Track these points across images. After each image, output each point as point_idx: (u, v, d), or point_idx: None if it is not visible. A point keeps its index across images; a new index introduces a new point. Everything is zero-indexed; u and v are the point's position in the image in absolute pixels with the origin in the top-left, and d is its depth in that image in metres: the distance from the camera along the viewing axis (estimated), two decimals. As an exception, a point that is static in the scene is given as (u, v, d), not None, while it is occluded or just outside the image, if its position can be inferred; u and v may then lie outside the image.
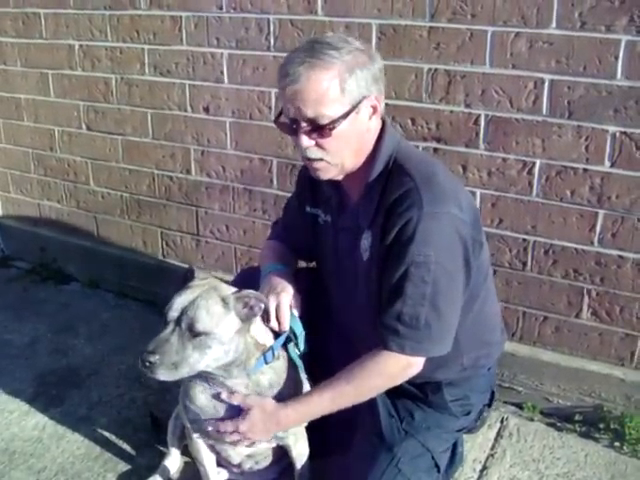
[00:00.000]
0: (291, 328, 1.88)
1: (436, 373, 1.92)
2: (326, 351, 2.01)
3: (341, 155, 1.73)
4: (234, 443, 1.92)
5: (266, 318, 1.83)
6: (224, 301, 1.69)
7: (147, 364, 1.62)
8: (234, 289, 1.75)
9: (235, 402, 1.82)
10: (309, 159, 1.74)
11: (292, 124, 1.70)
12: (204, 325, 1.64)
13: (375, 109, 1.75)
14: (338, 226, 1.95)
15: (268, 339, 1.84)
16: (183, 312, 1.66)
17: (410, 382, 1.94)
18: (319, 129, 1.67)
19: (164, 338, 1.65)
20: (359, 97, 1.68)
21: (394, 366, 1.78)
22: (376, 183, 1.79)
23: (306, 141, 1.69)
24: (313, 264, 2.24)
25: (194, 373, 1.71)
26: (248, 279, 2.12)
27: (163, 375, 1.64)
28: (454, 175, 2.00)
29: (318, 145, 1.70)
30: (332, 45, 1.66)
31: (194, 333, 1.64)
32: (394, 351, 1.74)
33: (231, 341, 1.70)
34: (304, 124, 1.67)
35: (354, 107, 1.68)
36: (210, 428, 1.89)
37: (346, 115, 1.67)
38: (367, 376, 1.79)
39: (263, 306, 1.73)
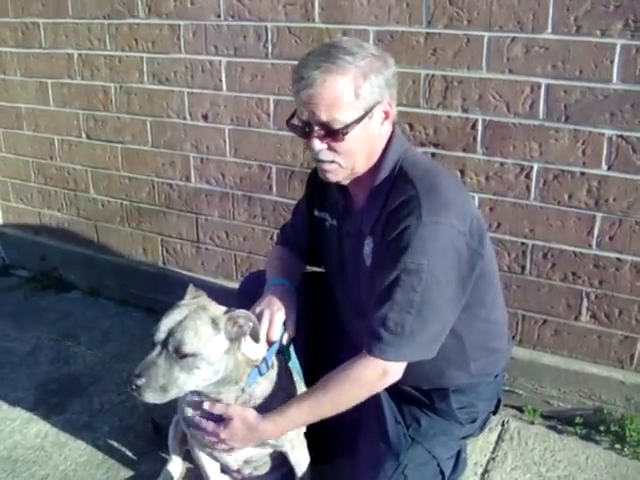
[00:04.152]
0: (281, 341, 1.88)
1: (444, 380, 1.92)
2: (331, 352, 2.01)
3: (352, 159, 1.74)
4: (217, 447, 1.91)
5: (254, 337, 1.78)
6: (214, 322, 1.67)
7: (134, 387, 1.61)
8: (224, 308, 1.74)
9: (216, 412, 1.81)
10: (320, 161, 1.75)
11: (305, 127, 1.71)
12: (191, 347, 1.62)
13: (387, 114, 1.77)
14: (342, 231, 1.96)
15: (261, 353, 1.82)
16: (170, 334, 1.63)
17: (417, 389, 1.95)
18: (332, 133, 1.68)
19: (151, 361, 1.63)
20: (372, 102, 1.70)
21: (372, 374, 1.76)
22: (380, 189, 1.79)
23: (318, 145, 1.70)
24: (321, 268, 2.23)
25: (184, 393, 1.71)
26: (255, 284, 2.13)
27: (151, 398, 1.63)
28: (462, 186, 2.00)
29: (330, 148, 1.71)
30: (347, 50, 1.67)
31: (181, 355, 1.62)
32: (375, 356, 1.72)
33: (220, 361, 1.68)
34: (317, 128, 1.68)
35: (367, 112, 1.70)
36: (194, 429, 1.89)
37: (359, 120, 1.68)
38: (345, 385, 1.77)
39: (252, 325, 1.71)
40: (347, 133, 1.67)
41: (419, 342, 1.72)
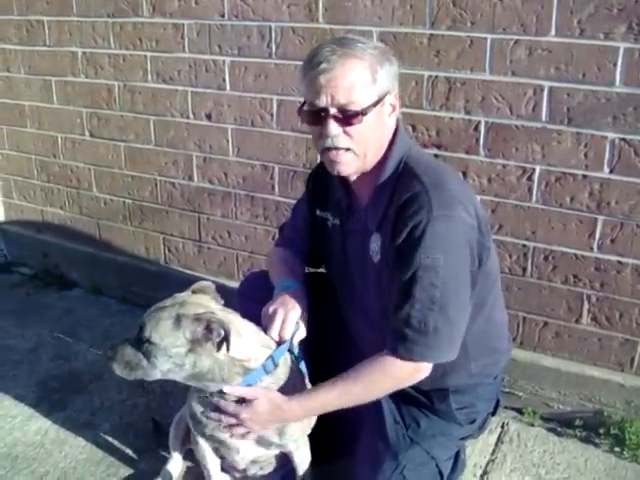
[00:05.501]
0: (292, 340, 1.88)
1: (444, 380, 1.92)
2: (332, 354, 2.01)
3: (366, 145, 1.74)
4: (233, 432, 1.89)
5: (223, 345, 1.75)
6: (177, 319, 1.72)
7: (108, 356, 1.80)
8: (204, 310, 1.75)
9: (238, 393, 1.80)
10: (335, 149, 1.74)
11: (320, 112, 1.70)
12: (147, 333, 1.73)
13: (394, 108, 1.79)
14: (346, 229, 1.96)
15: (259, 353, 1.81)
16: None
17: (417, 389, 1.94)
18: (350, 116, 1.68)
19: (126, 339, 1.81)
20: (386, 90, 1.73)
21: (402, 370, 1.76)
22: (385, 186, 1.80)
23: (335, 129, 1.70)
24: (321, 270, 2.23)
25: (152, 378, 1.78)
26: (256, 284, 2.15)
27: (117, 370, 1.79)
28: (464, 181, 2.00)
29: (345, 133, 1.71)
30: (359, 40, 1.73)
31: (140, 339, 1.74)
32: (401, 355, 1.73)
33: (182, 357, 1.72)
34: (334, 111, 1.68)
35: (381, 99, 1.72)
36: (213, 414, 1.87)
37: (375, 104, 1.70)
38: (375, 377, 1.78)
39: (223, 333, 1.69)
40: (365, 114, 1.68)
41: (444, 339, 1.73)
